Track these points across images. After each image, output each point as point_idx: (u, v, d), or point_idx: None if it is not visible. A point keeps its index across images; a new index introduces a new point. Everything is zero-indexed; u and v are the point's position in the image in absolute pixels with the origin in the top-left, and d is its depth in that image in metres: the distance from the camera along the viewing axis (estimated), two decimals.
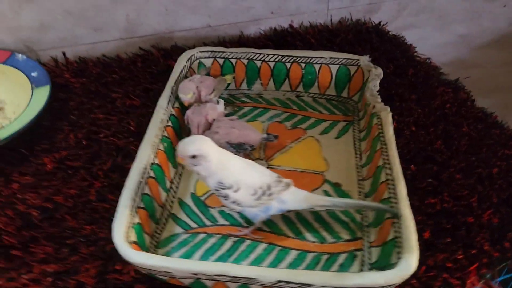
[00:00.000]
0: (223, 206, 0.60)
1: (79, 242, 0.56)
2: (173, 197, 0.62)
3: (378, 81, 0.72)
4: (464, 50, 1.29)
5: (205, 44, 0.92)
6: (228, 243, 0.56)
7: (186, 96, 0.67)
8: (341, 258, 0.54)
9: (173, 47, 0.91)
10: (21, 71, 0.76)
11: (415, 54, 0.93)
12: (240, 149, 0.64)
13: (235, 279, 0.46)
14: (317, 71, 0.77)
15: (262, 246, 0.55)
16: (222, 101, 0.68)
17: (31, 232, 0.56)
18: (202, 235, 0.57)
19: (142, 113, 0.74)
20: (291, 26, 0.98)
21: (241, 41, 0.93)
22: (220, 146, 0.63)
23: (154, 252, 0.54)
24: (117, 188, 0.60)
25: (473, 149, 0.68)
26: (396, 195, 0.53)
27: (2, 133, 0.65)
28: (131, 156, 0.65)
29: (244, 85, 0.80)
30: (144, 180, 0.56)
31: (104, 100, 0.77)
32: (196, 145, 0.52)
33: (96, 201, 0.61)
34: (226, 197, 0.53)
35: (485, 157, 0.67)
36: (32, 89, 0.73)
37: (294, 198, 0.54)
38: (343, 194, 0.62)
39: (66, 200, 0.61)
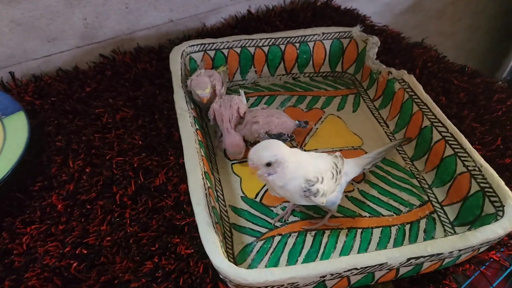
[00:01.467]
0: (285, 202, 0.55)
1: (149, 284, 0.46)
2: (224, 205, 0.55)
3: (376, 49, 0.72)
4: (389, 17, 1.37)
5: (169, 41, 0.83)
6: (309, 239, 0.51)
7: (205, 92, 0.60)
8: (422, 224, 0.53)
9: (137, 50, 0.80)
10: None
11: (373, 23, 0.96)
12: (279, 139, 0.59)
13: (363, 270, 0.42)
14: (312, 49, 0.74)
15: (344, 232, 0.52)
16: (243, 92, 0.62)
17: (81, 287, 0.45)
18: (277, 238, 0.51)
19: (142, 124, 0.65)
20: (249, 11, 0.94)
21: (204, 32, 0.86)
22: (259, 137, 0.58)
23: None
24: (156, 212, 0.52)
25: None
26: (464, 149, 0.53)
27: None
28: (151, 173, 0.57)
29: (238, 76, 0.74)
30: (207, 192, 0.48)
31: (88, 118, 0.65)
32: (272, 150, 0.46)
33: (139, 231, 0.51)
34: (317, 193, 0.47)
35: None
36: (1, 120, 0.59)
37: (350, 167, 0.53)
38: (390, 163, 0.61)
39: (100, 239, 0.50)
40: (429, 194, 0.56)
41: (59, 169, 0.58)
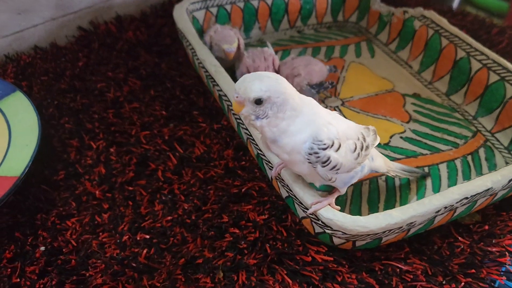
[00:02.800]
0: None
1: (235, 257, 0.40)
2: None
3: None
4: None
5: (151, 7, 0.75)
6: (382, 184, 0.48)
7: (232, 46, 0.53)
8: (482, 153, 0.52)
9: (118, 19, 0.71)
10: None
11: None
12: (321, 88, 0.55)
13: (472, 198, 0.39)
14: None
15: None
16: (269, 44, 0.57)
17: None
18: (350, 188, 0.47)
19: (156, 94, 0.57)
20: None
21: None
22: (301, 91, 0.54)
23: None
24: (207, 182, 0.46)
25: None
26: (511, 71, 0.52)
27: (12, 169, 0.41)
28: (186, 143, 0.50)
29: (242, 34, 0.68)
30: None
31: (91, 94, 0.56)
32: (266, 82, 0.33)
33: (200, 205, 0.45)
34: (327, 162, 0.35)
35: None
36: None
37: (378, 155, 0.43)
38: (427, 101, 0.59)
39: (158, 221, 0.43)
40: (475, 125, 0.55)
41: (79, 152, 0.49)
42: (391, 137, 0.53)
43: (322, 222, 0.37)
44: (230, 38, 0.54)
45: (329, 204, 0.37)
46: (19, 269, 0.38)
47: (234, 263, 0.39)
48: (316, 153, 0.35)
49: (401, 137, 0.53)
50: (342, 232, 0.37)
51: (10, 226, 0.41)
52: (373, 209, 0.45)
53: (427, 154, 0.52)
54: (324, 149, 0.35)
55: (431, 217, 0.38)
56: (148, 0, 0.76)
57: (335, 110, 0.55)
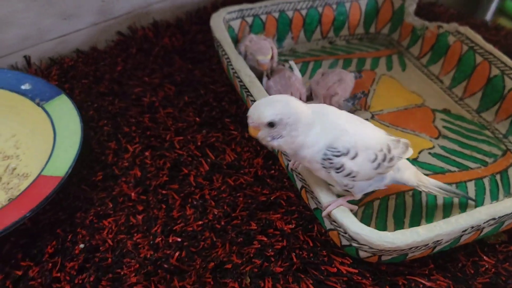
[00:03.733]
0: None
1: (262, 264, 0.42)
2: None
3: (415, 6, 0.70)
4: None
5: (186, 13, 0.77)
6: (408, 200, 0.49)
7: (267, 58, 0.55)
8: (511, 172, 0.52)
9: (155, 24, 0.74)
10: (5, 89, 0.53)
11: None
12: (355, 100, 0.56)
13: (499, 219, 0.40)
14: (348, 10, 0.71)
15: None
16: (293, 63, 0.58)
17: None
18: (376, 202, 0.48)
19: (189, 100, 0.59)
20: None
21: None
22: (339, 107, 0.54)
23: None
24: (237, 189, 0.48)
25: None
26: None
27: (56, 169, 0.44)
28: (217, 150, 0.52)
29: (274, 43, 0.69)
30: None
31: (129, 98, 0.59)
32: (276, 107, 0.35)
33: (230, 212, 0.46)
34: (341, 169, 0.37)
35: None
36: (41, 107, 0.51)
37: (408, 168, 0.44)
38: (457, 117, 0.59)
39: (189, 224, 0.45)
40: (506, 143, 0.55)
41: (116, 155, 0.51)
42: (419, 152, 0.54)
43: (349, 235, 0.38)
44: (265, 50, 0.55)
45: (342, 205, 0.39)
46: (59, 264, 0.41)
47: (261, 270, 0.41)
48: (330, 159, 0.37)
49: (429, 153, 0.54)
50: (368, 246, 0.37)
51: (52, 223, 0.44)
52: (399, 224, 0.46)
53: (455, 171, 0.52)
54: (338, 156, 0.37)
55: (457, 236, 0.39)
56: (183, 7, 0.78)
57: None
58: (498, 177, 0.51)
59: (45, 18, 0.62)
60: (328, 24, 0.71)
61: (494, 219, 0.39)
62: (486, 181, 0.51)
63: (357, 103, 0.57)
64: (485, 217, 0.39)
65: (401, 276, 0.41)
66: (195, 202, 0.47)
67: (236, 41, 0.66)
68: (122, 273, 0.40)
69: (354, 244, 0.39)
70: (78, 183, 0.48)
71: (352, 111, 0.59)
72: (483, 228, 0.40)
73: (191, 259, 0.42)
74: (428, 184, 0.45)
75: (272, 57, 0.57)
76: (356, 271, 0.41)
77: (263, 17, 0.67)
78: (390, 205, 0.48)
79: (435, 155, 0.54)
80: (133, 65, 0.65)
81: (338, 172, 0.38)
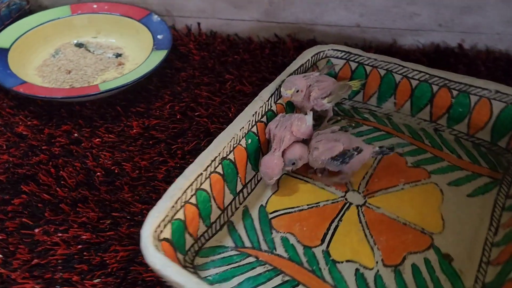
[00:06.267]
0: (289, 232, 0.48)
1: (123, 219, 0.50)
2: (240, 203, 0.52)
3: None
4: None
5: (347, 45, 0.79)
6: (276, 281, 0.44)
7: (286, 92, 0.55)
8: None
9: (310, 41, 0.80)
10: (150, 31, 0.75)
11: None
12: (345, 158, 0.51)
13: None
14: (473, 105, 0.58)
15: None
16: (311, 113, 0.55)
17: (86, 192, 0.53)
18: (251, 259, 0.46)
19: (249, 101, 0.66)
20: (460, 45, 0.79)
21: (391, 50, 0.78)
22: (320, 165, 0.52)
23: (191, 259, 0.45)
24: None
25: None
26: None
27: (105, 85, 0.63)
28: None
29: (373, 100, 0.65)
30: (206, 174, 0.47)
31: (216, 79, 0.71)
32: None
33: (162, 181, 0.54)
34: None
35: None
36: (152, 50, 0.71)
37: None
38: (452, 273, 0.44)
39: (133, 170, 0.56)
40: None
41: (160, 105, 0.66)
42: None
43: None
44: (289, 84, 0.55)
45: None
46: None
47: None
48: None
49: None
50: None
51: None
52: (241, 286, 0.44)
53: None
54: None
55: None
56: (351, 38, 0.81)
57: None
58: None
59: (220, 2, 0.80)
60: (441, 109, 0.61)
61: None
62: None
63: (348, 163, 0.52)
64: None
65: None
66: None
67: (335, 78, 0.66)
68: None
69: None
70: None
71: (349, 190, 0.53)
72: None
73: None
74: None
75: (307, 96, 0.57)
76: None
77: (368, 68, 0.64)
78: (257, 269, 0.45)
79: None
80: (253, 61, 0.75)
81: None
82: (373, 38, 0.81)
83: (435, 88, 0.60)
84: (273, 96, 0.57)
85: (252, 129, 0.53)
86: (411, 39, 0.80)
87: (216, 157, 0.48)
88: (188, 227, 0.45)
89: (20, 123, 0.62)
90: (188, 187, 0.45)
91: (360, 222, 0.49)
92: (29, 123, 0.62)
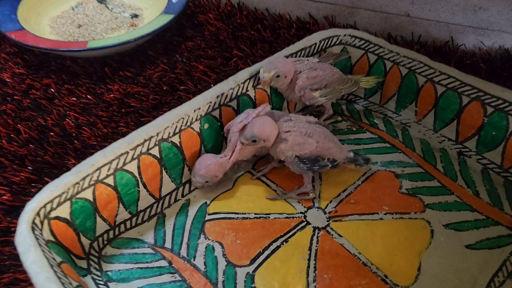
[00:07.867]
0: (218, 242, 0.40)
1: None
2: (183, 195, 0.45)
3: None
4: None
5: (388, 37, 0.67)
6: None
7: (264, 74, 0.45)
8: None
9: (348, 28, 0.69)
10: None
11: None
12: (314, 165, 0.42)
13: None
14: (510, 127, 0.44)
15: None
16: (268, 106, 0.44)
17: (31, 151, 0.49)
18: (163, 263, 0.39)
19: None
20: None
21: (443, 51, 0.64)
22: (287, 160, 0.43)
23: (99, 247, 0.39)
24: None
25: None
26: None
27: (94, 43, 0.59)
28: None
29: (391, 105, 0.53)
30: (133, 154, 0.40)
31: (221, 53, 0.63)
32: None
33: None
34: None
35: None
36: (161, 13, 0.65)
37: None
38: None
39: (91, 136, 0.51)
40: None
41: (151, 73, 0.60)
42: None
43: None
44: (270, 66, 0.44)
45: None
46: None
47: None
48: None
49: None
50: None
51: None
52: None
53: None
54: None
55: None
56: (394, 29, 0.68)
57: None
58: None
59: None
60: (469, 128, 0.47)
61: None
62: None
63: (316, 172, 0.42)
64: None
65: None
66: None
67: (350, 70, 0.55)
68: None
69: None
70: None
71: (312, 206, 0.43)
72: None
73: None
74: None
75: (293, 84, 0.47)
76: None
77: (389, 64, 0.52)
78: (164, 276, 0.38)
79: None
80: (272, 39, 0.66)
81: None
82: (425, 32, 0.66)
83: (465, 99, 0.47)
84: (253, 79, 0.48)
85: (212, 113, 0.45)
86: (473, 39, 0.65)
87: (153, 137, 0.41)
88: (101, 210, 0.39)
89: (8, 70, 0.61)
90: (105, 164, 0.39)
91: (310, 249, 0.39)
92: (16, 71, 0.60)
